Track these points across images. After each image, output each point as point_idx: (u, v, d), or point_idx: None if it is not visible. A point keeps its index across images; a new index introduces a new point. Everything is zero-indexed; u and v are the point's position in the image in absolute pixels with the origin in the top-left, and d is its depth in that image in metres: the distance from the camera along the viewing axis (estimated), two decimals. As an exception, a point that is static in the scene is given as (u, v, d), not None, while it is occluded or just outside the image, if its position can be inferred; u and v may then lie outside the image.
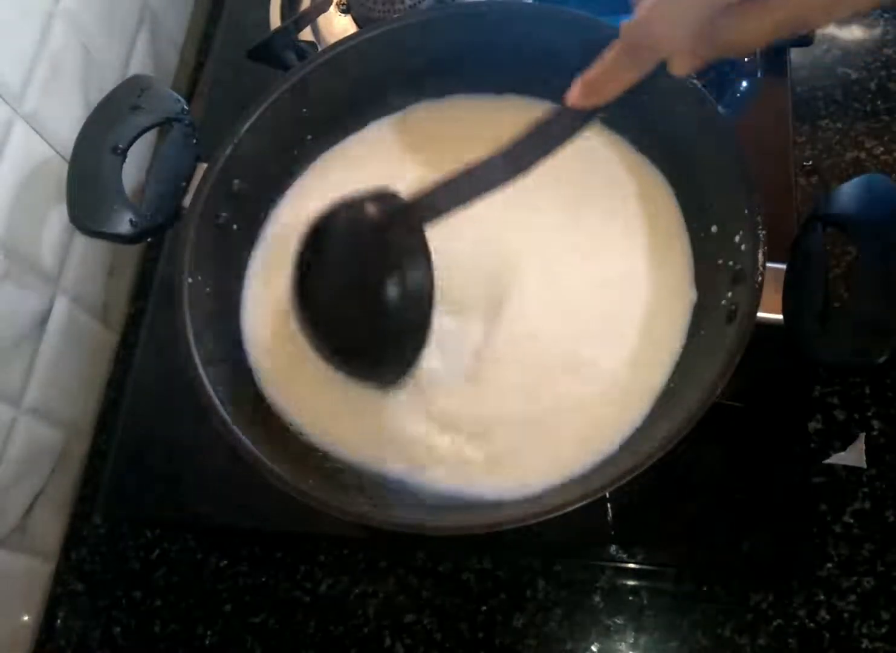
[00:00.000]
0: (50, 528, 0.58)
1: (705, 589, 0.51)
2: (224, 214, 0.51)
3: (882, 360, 0.39)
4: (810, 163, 0.62)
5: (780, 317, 0.42)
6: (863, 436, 0.53)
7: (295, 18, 0.59)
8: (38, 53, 0.54)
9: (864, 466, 0.53)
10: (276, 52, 0.56)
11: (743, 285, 0.42)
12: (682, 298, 0.49)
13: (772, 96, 0.61)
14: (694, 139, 0.48)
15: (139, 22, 0.66)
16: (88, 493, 0.60)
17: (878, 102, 0.64)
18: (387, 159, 0.56)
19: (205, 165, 0.51)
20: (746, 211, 0.43)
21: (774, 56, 0.61)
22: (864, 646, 0.49)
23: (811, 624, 0.50)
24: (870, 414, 0.54)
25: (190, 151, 0.53)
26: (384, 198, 0.50)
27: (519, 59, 0.53)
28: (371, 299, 0.47)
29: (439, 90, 0.56)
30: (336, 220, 0.51)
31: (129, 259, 0.66)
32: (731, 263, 0.45)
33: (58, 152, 0.56)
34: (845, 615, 0.50)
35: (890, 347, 0.39)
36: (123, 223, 0.50)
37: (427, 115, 0.57)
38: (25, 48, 0.53)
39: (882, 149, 0.62)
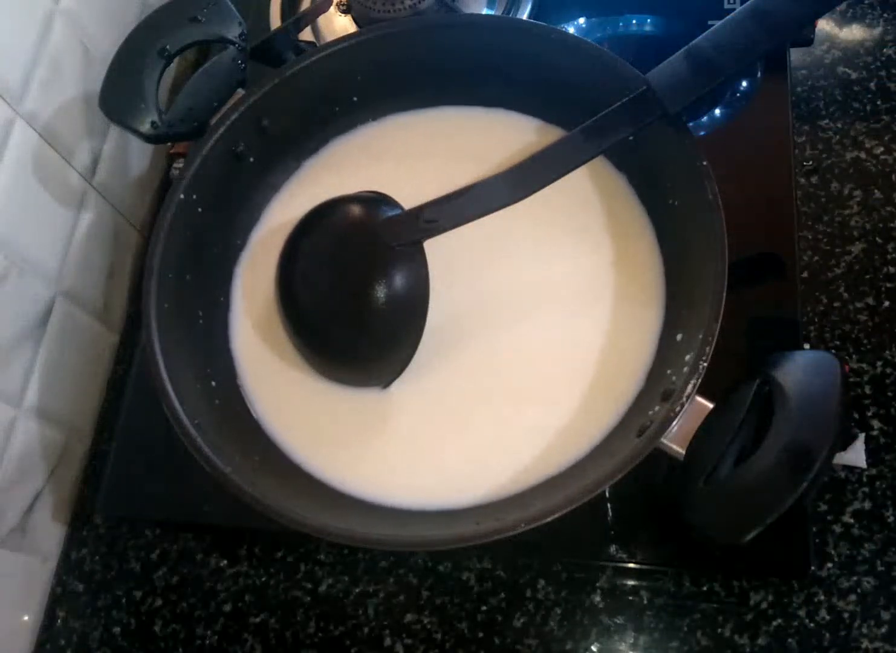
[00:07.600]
0: (50, 528, 0.58)
1: (705, 589, 0.51)
2: (243, 145, 0.52)
3: (744, 541, 0.37)
4: (810, 163, 0.62)
5: (683, 453, 0.41)
6: (863, 436, 0.53)
7: (295, 18, 0.59)
8: (38, 53, 0.54)
9: (865, 466, 0.53)
10: (276, 52, 0.56)
11: (665, 405, 0.41)
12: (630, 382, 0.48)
13: (772, 96, 0.61)
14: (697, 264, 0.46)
15: (139, 21, 0.65)
16: (88, 493, 0.60)
17: (878, 102, 0.64)
18: (386, 162, 0.56)
19: (242, 92, 0.52)
20: (700, 336, 0.41)
21: (774, 56, 0.61)
22: (864, 646, 0.49)
23: (811, 624, 0.50)
24: (870, 414, 0.54)
25: (234, 76, 0.53)
26: (381, 202, 0.50)
27: (511, 74, 0.53)
28: (362, 300, 0.47)
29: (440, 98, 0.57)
30: (328, 218, 0.51)
31: (129, 259, 0.66)
32: (673, 378, 0.43)
33: (58, 152, 0.56)
34: (845, 615, 0.50)
35: (753, 530, 0.37)
36: (145, 123, 0.51)
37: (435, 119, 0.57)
38: (25, 48, 0.53)
39: (882, 149, 0.62)
